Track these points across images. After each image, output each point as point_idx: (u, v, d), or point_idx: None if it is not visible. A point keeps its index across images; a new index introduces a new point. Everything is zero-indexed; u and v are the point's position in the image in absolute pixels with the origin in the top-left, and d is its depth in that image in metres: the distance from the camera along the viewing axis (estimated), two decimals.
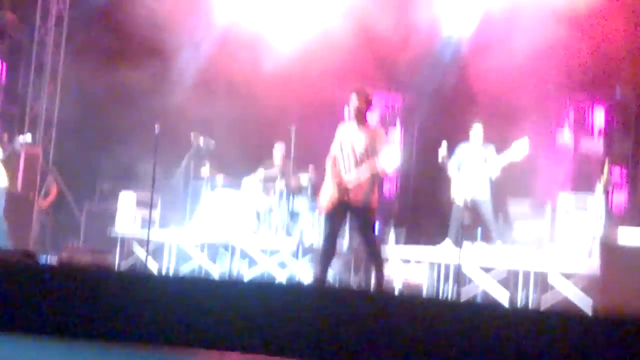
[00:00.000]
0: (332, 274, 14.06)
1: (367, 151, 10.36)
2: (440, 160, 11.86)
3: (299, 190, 14.89)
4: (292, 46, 16.05)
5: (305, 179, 14.96)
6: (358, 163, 10.37)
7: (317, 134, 16.17)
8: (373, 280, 11.88)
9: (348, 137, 10.56)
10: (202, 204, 14.73)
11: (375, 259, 10.74)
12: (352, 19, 15.58)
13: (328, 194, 10.44)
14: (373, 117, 17.33)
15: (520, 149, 13.30)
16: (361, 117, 10.57)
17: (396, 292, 11.85)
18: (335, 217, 10.54)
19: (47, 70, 16.78)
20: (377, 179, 10.51)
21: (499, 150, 13.65)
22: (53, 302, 7.32)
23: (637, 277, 10.95)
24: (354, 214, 10.51)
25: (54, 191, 15.59)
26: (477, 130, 13.85)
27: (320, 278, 10.47)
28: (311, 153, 16.00)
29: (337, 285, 13.54)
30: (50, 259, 13.70)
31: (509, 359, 6.15)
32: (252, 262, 14.23)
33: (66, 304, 7.31)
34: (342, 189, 10.35)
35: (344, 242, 14.29)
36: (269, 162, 15.24)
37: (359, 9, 15.41)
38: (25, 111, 16.64)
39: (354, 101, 10.54)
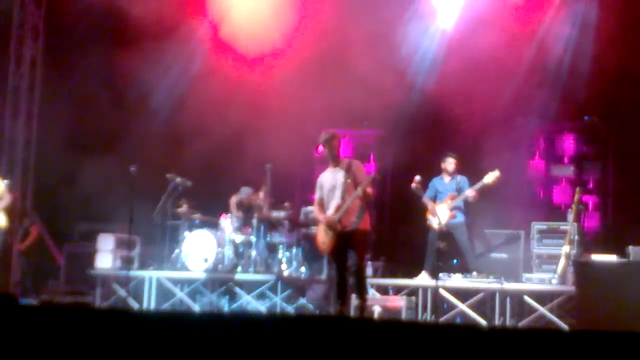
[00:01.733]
0: (311, 302, 14.20)
1: (348, 182, 10.71)
2: (413, 186, 12.05)
3: (276, 225, 15.02)
4: (267, 84, 16.25)
5: (281, 214, 15.10)
6: (343, 195, 10.72)
7: (293, 171, 16.40)
8: (353, 308, 12.08)
9: (328, 178, 10.99)
10: (181, 243, 14.79)
11: (359, 284, 10.97)
12: (326, 58, 15.79)
13: (324, 237, 10.87)
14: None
15: (492, 178, 13.52)
16: (335, 156, 10.99)
17: (376, 317, 11.95)
18: (337, 253, 10.90)
19: (22, 115, 16.83)
20: (363, 203, 10.81)
21: (472, 181, 13.85)
22: (34, 343, 7.35)
23: (610, 290, 11.14)
24: (346, 238, 10.75)
25: (33, 234, 15.61)
26: (449, 162, 14.04)
27: (341, 311, 10.76)
28: (287, 189, 16.18)
29: (316, 313, 13.63)
30: (30, 301, 13.70)
31: None
32: (232, 298, 14.30)
33: (48, 345, 7.34)
34: (333, 224, 10.68)
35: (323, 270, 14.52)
36: (243, 201, 15.36)
37: (333, 49, 15.62)
38: (2, 156, 16.64)
39: (326, 143, 11.00)
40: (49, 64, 16.86)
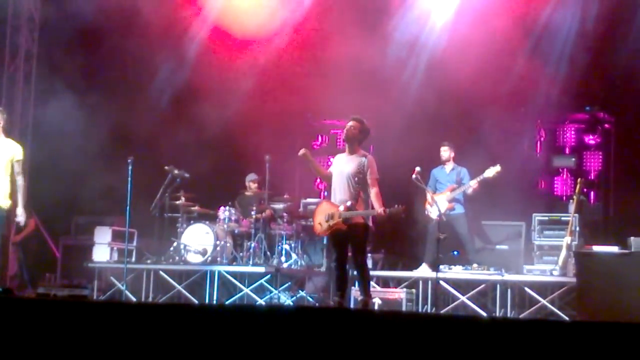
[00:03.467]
0: (310, 294, 14.15)
1: (357, 178, 10.53)
2: (413, 177, 11.90)
3: (275, 217, 14.98)
4: (266, 73, 16.18)
5: (280, 206, 15.04)
6: (349, 190, 10.56)
7: (291, 162, 16.31)
8: (353, 300, 12.01)
9: (340, 162, 10.81)
10: (179, 235, 14.72)
11: (363, 280, 10.85)
12: (323, 48, 15.70)
13: (322, 220, 10.75)
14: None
15: (492, 172, 13.45)
16: (354, 143, 10.80)
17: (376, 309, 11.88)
18: (337, 244, 10.80)
19: (18, 107, 16.68)
20: (369, 201, 10.65)
21: (472, 173, 13.78)
22: (32, 336, 7.29)
23: (611, 281, 11.10)
24: (347, 231, 10.60)
25: (30, 225, 15.44)
26: (443, 150, 13.99)
27: (340, 303, 10.65)
28: (285, 181, 16.10)
29: (316, 305, 13.58)
30: (27, 294, 13.61)
31: None
32: (231, 290, 14.21)
33: (45, 338, 7.27)
34: (339, 220, 10.55)
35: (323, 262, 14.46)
36: (243, 191, 15.35)
37: (330, 39, 15.54)
38: None
39: (347, 128, 10.82)
40: (45, 55, 16.69)
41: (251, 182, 15.30)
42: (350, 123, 10.80)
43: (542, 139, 16.49)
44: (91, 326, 7.25)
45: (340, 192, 10.68)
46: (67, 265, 15.60)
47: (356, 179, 10.53)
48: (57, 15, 16.04)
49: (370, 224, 10.68)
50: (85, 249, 15.45)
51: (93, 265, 14.94)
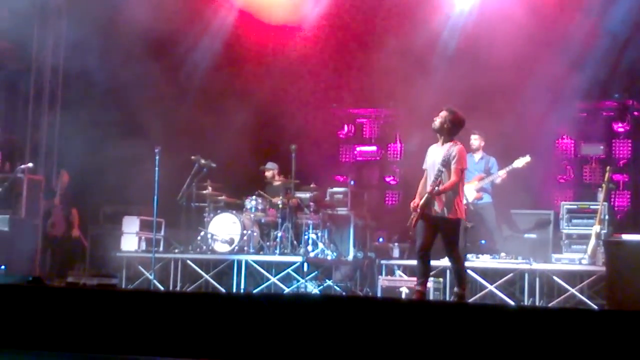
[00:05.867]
0: (337, 283, 14.16)
1: (443, 166, 10.30)
2: None
3: (301, 206, 14.98)
4: (291, 63, 16.15)
5: (307, 195, 15.04)
6: (436, 177, 10.33)
7: (318, 152, 16.31)
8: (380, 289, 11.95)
9: (432, 154, 10.59)
10: (207, 224, 14.76)
11: (456, 273, 10.65)
12: (349, 36, 15.68)
13: (417, 202, 10.43)
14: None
15: (522, 163, 13.36)
16: (444, 133, 10.52)
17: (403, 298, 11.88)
18: (421, 232, 10.43)
19: (45, 98, 16.76)
20: (454, 191, 10.37)
21: (501, 162, 13.71)
22: (61, 323, 7.35)
23: None
24: (438, 226, 10.41)
25: (75, 216, 15.52)
26: (473, 138, 13.89)
27: (421, 291, 10.42)
28: (312, 170, 16.10)
29: (343, 294, 13.59)
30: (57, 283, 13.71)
31: (520, 356, 6.20)
32: (258, 279, 14.24)
33: (74, 326, 7.33)
34: (423, 204, 10.29)
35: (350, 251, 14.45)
36: (268, 181, 15.39)
37: (357, 28, 15.51)
38: (26, 140, 16.58)
39: (440, 117, 10.52)
40: (73, 45, 16.72)
41: (265, 171, 15.32)
42: (441, 113, 10.52)
43: (570, 126, 16.41)
44: (120, 315, 7.31)
45: (429, 181, 10.43)
46: (96, 254, 15.68)
47: (439, 166, 10.29)
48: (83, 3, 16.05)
49: (457, 216, 10.39)
50: (113, 238, 15.52)
51: (121, 255, 15.02)
